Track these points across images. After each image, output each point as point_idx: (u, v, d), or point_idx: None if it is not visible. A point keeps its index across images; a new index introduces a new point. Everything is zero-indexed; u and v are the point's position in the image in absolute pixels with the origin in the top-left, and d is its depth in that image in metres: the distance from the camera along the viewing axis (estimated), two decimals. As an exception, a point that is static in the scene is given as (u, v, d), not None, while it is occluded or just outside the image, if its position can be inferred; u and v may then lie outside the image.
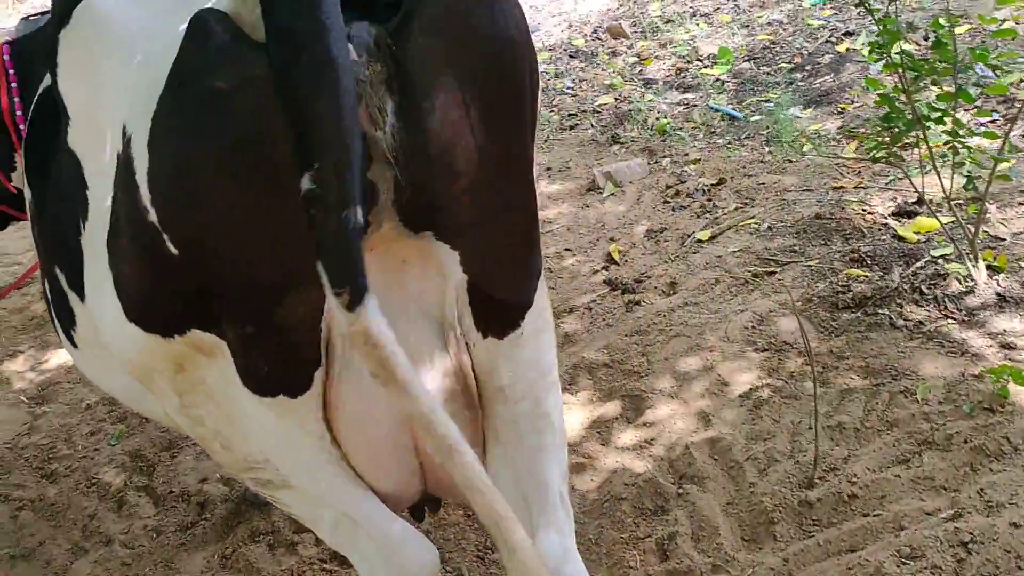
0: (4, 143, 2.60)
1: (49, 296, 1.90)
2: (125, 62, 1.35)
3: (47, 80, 1.78)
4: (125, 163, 1.28)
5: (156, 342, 1.38)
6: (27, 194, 1.97)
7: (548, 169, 4.92)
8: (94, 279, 1.48)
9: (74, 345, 1.87)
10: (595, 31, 7.30)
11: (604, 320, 3.44)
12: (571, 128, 5.43)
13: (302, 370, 1.33)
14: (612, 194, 4.44)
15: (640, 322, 3.33)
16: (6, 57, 2.50)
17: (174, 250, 1.23)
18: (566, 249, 4.04)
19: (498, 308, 1.40)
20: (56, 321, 1.91)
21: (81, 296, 1.65)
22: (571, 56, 6.78)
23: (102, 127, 1.40)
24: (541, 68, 6.47)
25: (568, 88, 6.11)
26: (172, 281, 1.29)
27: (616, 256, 3.84)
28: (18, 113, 2.44)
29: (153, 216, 1.23)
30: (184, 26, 1.18)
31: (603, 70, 6.29)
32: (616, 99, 5.66)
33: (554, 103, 5.92)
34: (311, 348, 1.30)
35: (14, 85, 2.45)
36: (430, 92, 1.16)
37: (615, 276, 3.69)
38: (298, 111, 1.06)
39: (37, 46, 2.39)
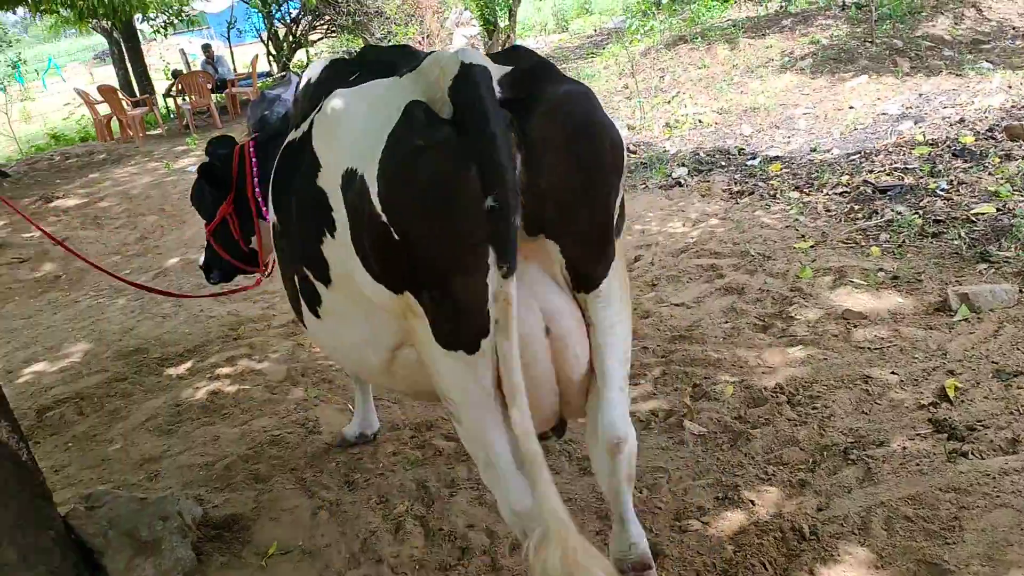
0: (248, 217, 3.62)
1: (298, 287, 2.62)
2: (351, 133, 2.11)
3: (290, 137, 2.64)
4: (359, 189, 2.00)
5: (391, 296, 2.09)
6: (272, 219, 2.73)
7: (895, 278, 4.46)
8: (344, 265, 2.21)
9: (317, 317, 2.58)
10: (990, 129, 6.52)
11: (917, 464, 3.01)
12: (933, 236, 4.88)
13: (473, 335, 1.99)
14: (965, 320, 3.90)
15: (962, 478, 2.86)
16: (252, 149, 3.50)
17: (397, 237, 1.93)
18: (892, 372, 3.61)
19: (585, 277, 2.10)
20: (303, 303, 2.63)
21: (327, 282, 2.37)
22: (954, 154, 6.12)
23: (334, 169, 2.14)
24: (914, 164, 5.94)
25: (941, 190, 5.51)
26: (394, 257, 1.99)
27: (951, 393, 3.35)
28: (257, 191, 3.46)
29: (383, 217, 1.94)
30: (393, 110, 1.97)
31: (990, 175, 5.58)
32: (998, 210, 4.98)
33: (921, 204, 5.37)
34: (478, 320, 1.96)
35: (256, 170, 3.45)
36: (542, 153, 1.89)
37: (944, 416, 3.22)
38: (485, 163, 1.80)
39: (269, 137, 3.43)
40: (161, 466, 4.05)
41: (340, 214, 2.14)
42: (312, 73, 2.95)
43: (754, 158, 7.31)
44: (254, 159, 3.51)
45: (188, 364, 5.25)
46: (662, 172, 7.42)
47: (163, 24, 19.05)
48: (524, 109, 1.89)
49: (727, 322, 4.36)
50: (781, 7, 13.22)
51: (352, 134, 2.09)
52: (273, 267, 3.86)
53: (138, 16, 17.91)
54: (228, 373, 4.97)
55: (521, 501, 2.18)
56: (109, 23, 18.41)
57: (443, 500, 3.39)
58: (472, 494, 3.38)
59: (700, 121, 8.94)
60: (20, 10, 13.60)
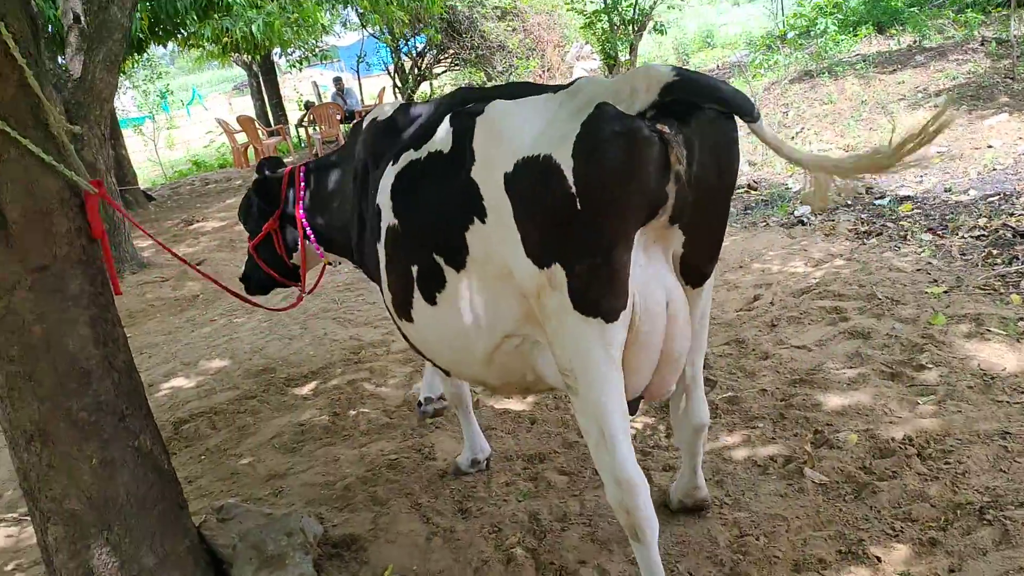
0: (293, 235, 4.01)
1: (415, 279, 2.87)
2: (527, 129, 2.44)
3: (411, 155, 2.93)
4: (543, 170, 2.33)
5: (535, 271, 2.41)
6: (390, 221, 2.97)
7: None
8: (486, 246, 2.56)
9: (433, 304, 2.83)
10: None
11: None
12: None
13: (618, 304, 2.37)
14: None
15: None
16: (301, 173, 3.84)
17: (579, 207, 2.27)
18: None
19: (697, 273, 2.57)
20: (418, 294, 2.88)
21: (460, 267, 2.67)
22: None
23: (496, 162, 2.47)
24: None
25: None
26: (564, 229, 2.32)
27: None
28: (301, 213, 3.78)
29: (573, 188, 2.28)
30: (577, 108, 2.35)
31: None
32: None
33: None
34: (624, 290, 2.36)
35: (303, 194, 3.80)
36: (696, 151, 2.28)
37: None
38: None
39: (320, 166, 3.82)
40: (285, 483, 4.23)
41: (495, 200, 2.49)
42: (379, 113, 3.41)
43: (883, 197, 7.06)
44: (303, 183, 3.84)
45: (312, 385, 5.48)
46: (784, 210, 7.27)
47: (299, 59, 20.08)
48: (685, 119, 2.29)
49: (852, 368, 4.21)
50: (915, 42, 12.75)
51: (530, 129, 2.44)
52: (315, 286, 4.31)
53: (275, 51, 18.95)
54: (349, 396, 5.15)
55: (626, 471, 2.50)
56: (249, 57, 19.54)
57: (555, 534, 3.40)
58: (584, 530, 3.38)
59: (825, 158, 8.70)
60: (170, 43, 14.64)
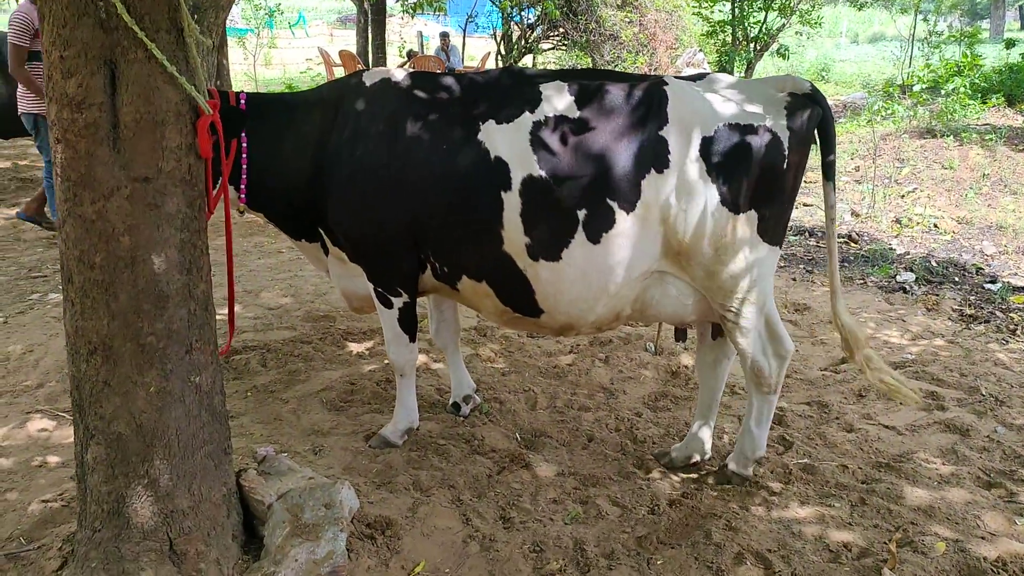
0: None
1: (582, 221, 3.18)
2: (714, 105, 3.19)
3: (533, 117, 3.28)
4: (760, 135, 3.12)
5: (727, 215, 3.13)
6: (531, 172, 3.19)
7: None
8: (658, 193, 3.14)
9: (596, 243, 3.19)
10: None
11: None
12: None
13: (784, 237, 3.34)
14: None
15: None
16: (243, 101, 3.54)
17: (785, 167, 3.15)
18: None
19: None
20: (580, 234, 3.19)
21: (629, 209, 3.15)
22: None
23: (694, 126, 3.12)
24: None
25: None
26: (768, 183, 3.15)
27: None
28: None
29: (786, 152, 3.13)
30: (768, 95, 3.22)
31: None
32: None
33: None
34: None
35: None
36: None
37: None
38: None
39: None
40: (327, 442, 4.07)
41: (683, 156, 3.08)
42: (397, 76, 3.53)
43: (994, 282, 6.64)
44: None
45: (368, 344, 5.31)
46: (885, 271, 6.88)
47: (413, 5, 19.88)
48: None
49: (945, 464, 3.89)
50: (1050, 123, 12.08)
51: (728, 105, 3.15)
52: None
53: (394, -7, 18.74)
54: (406, 364, 4.96)
55: (789, 345, 3.52)
56: (365, -6, 19.40)
57: (600, 570, 3.17)
58: (632, 574, 3.15)
59: (935, 225, 8.25)
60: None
